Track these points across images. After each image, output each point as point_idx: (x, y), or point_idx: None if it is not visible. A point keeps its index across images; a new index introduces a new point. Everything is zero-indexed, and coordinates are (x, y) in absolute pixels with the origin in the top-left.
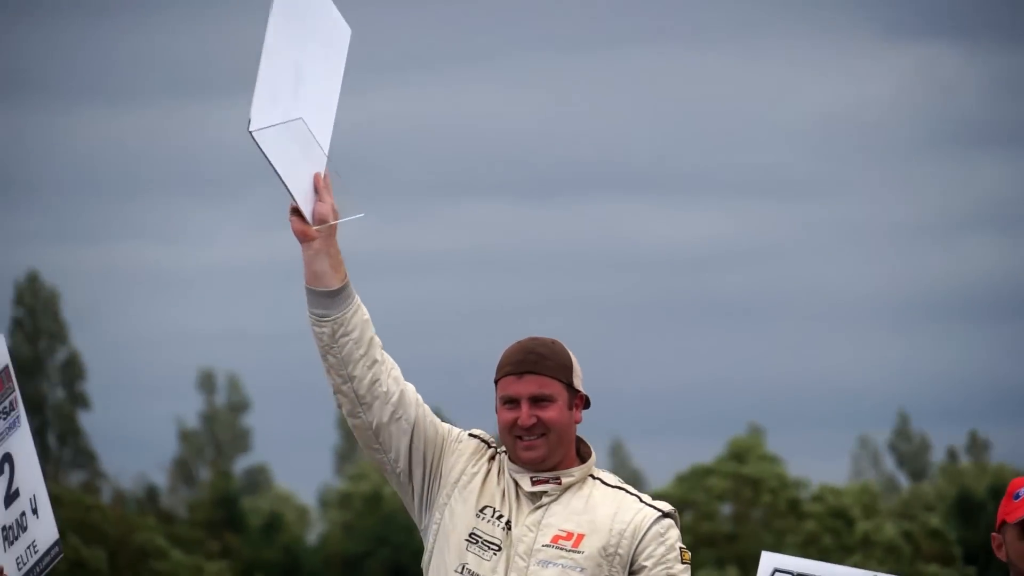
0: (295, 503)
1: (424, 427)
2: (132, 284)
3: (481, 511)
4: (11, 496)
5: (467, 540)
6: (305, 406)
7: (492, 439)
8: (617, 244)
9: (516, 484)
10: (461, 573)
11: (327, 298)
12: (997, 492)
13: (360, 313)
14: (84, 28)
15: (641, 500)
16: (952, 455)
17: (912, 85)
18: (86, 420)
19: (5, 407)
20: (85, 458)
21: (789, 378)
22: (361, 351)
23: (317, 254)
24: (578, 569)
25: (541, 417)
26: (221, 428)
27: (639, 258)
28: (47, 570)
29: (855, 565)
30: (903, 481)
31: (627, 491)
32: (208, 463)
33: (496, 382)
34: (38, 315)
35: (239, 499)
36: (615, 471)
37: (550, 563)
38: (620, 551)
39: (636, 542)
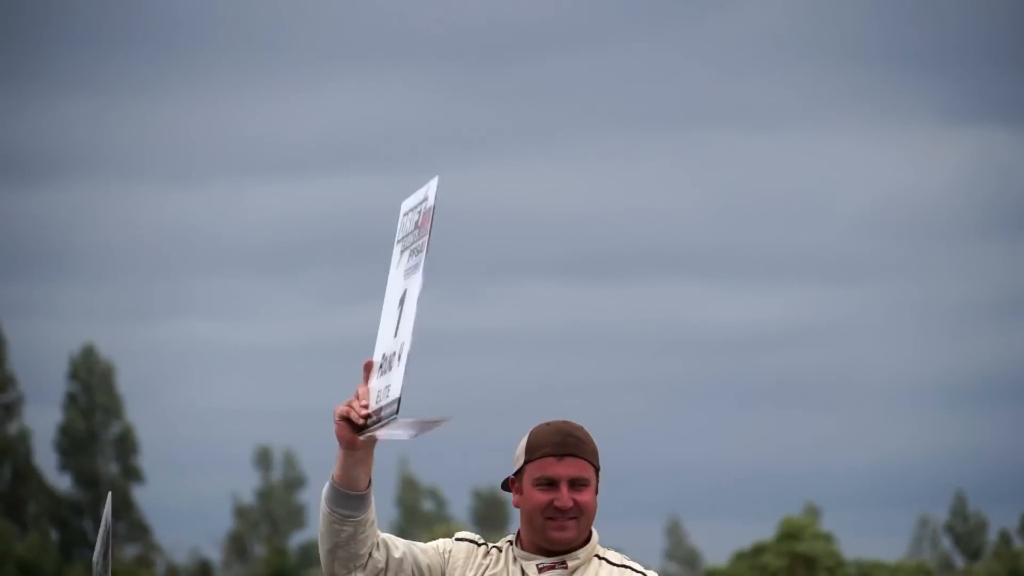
0: None
1: (418, 563)
2: (188, 359)
3: None
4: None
5: None
6: None
7: (478, 537)
8: (676, 325)
9: (522, 572)
10: None
11: (356, 500)
12: None
13: (374, 508)
14: (142, 104)
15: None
16: (1005, 537)
17: (970, 168)
18: (140, 494)
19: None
20: (139, 531)
21: (846, 459)
22: (372, 542)
23: (358, 462)
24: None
25: (578, 500)
26: (276, 504)
27: (697, 339)
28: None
29: None
30: (959, 562)
31: (633, 569)
32: (263, 539)
33: (527, 463)
34: (93, 389)
35: (296, 574)
36: (672, 549)
37: None
38: None
39: None
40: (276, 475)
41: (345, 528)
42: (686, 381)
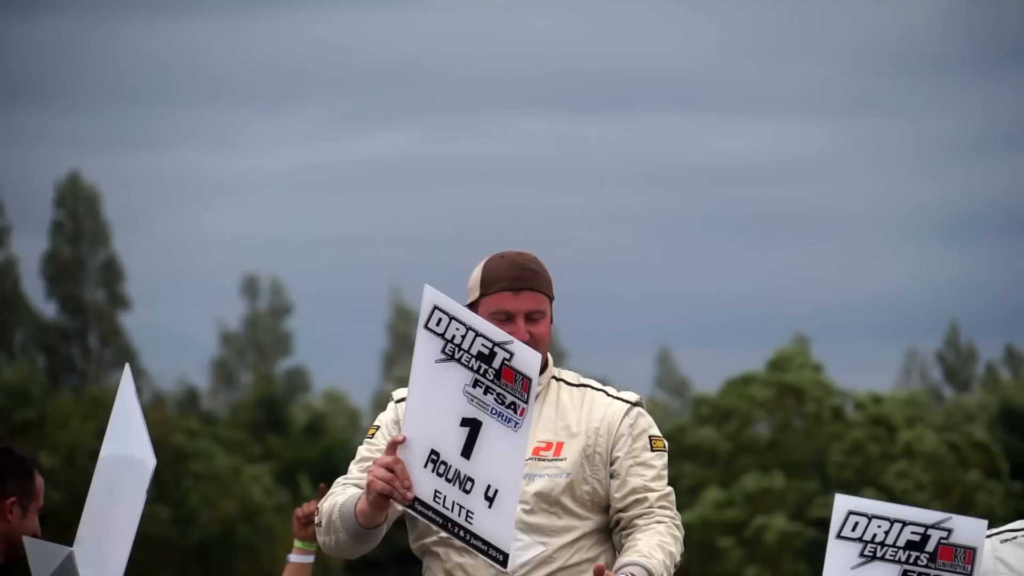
0: (345, 405)
1: None
2: (176, 188)
3: None
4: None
5: None
6: (350, 311)
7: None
8: (669, 157)
9: None
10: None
11: (374, 532)
12: None
13: None
14: None
15: (608, 394)
16: (991, 369)
17: (960, 1)
18: (126, 321)
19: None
20: (125, 357)
21: (837, 291)
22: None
23: (383, 511)
24: (564, 475)
25: (533, 333)
26: (263, 332)
27: (690, 171)
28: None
29: (899, 473)
30: (948, 393)
31: (592, 387)
32: (249, 366)
33: (482, 296)
34: (79, 217)
35: (283, 401)
36: (662, 378)
37: (536, 476)
38: (599, 449)
39: (611, 438)
40: (263, 303)
41: (359, 550)
42: (678, 213)
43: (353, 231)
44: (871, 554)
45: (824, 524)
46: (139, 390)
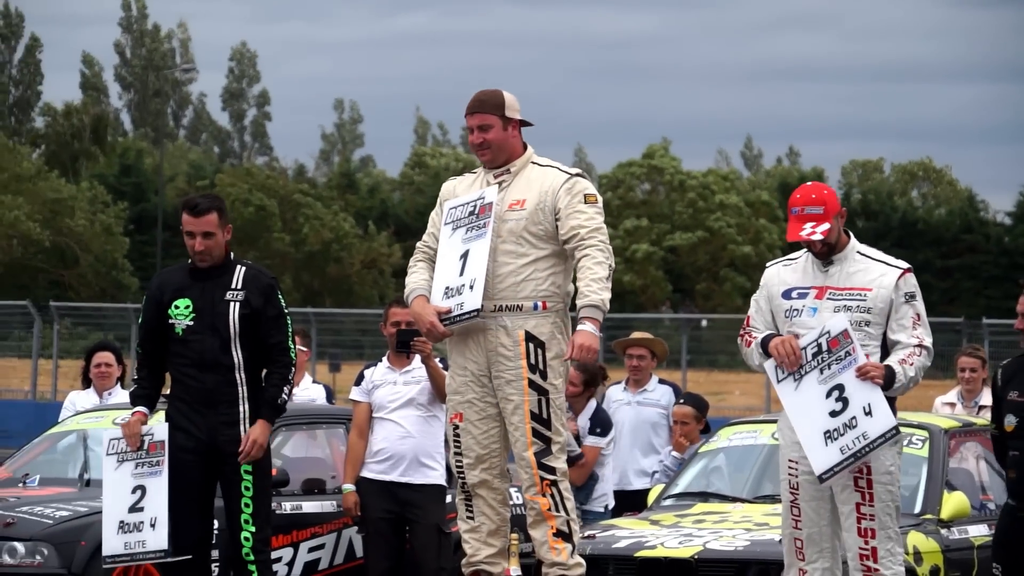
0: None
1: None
2: None
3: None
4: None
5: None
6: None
7: (454, 176)
8: None
9: (487, 182)
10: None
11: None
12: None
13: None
14: None
15: (560, 169)
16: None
17: None
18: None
19: (153, 462)
20: (267, 150)
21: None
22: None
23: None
24: (525, 220)
25: (485, 138)
26: (346, 132)
27: None
28: (148, 560)
29: (716, 218)
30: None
31: (555, 167)
32: (338, 152)
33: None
34: None
35: (355, 174)
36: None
37: (510, 219)
38: (546, 204)
39: (555, 195)
40: (346, 115)
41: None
42: None
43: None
44: (799, 377)
45: (672, 248)
46: (275, 168)
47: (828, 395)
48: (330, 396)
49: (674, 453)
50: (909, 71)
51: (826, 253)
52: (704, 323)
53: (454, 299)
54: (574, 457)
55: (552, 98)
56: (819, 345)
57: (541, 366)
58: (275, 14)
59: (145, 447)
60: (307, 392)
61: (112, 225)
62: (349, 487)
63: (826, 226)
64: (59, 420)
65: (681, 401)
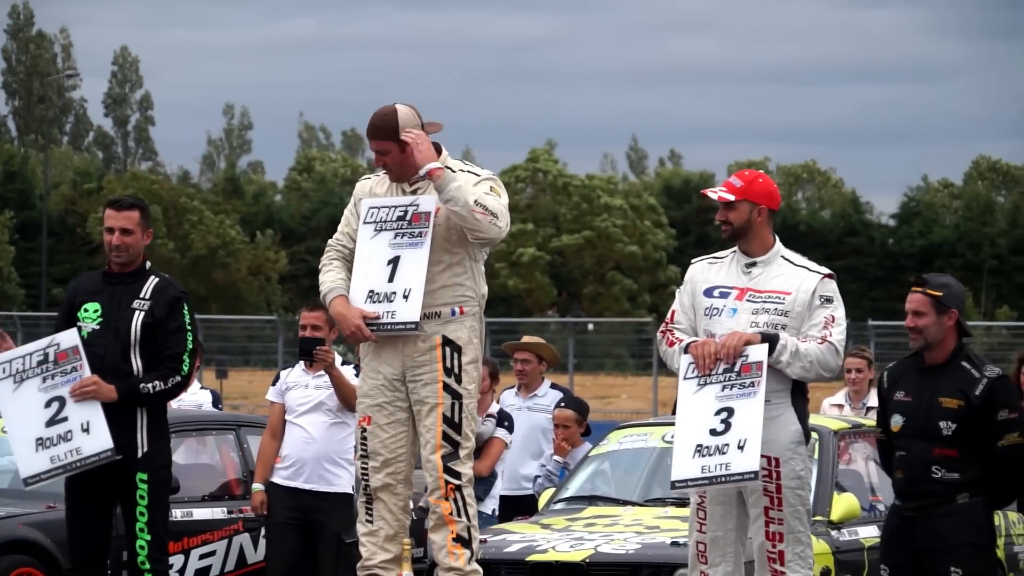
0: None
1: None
2: None
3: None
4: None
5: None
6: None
7: (369, 175)
8: None
9: (403, 191)
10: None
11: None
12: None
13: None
14: None
15: (471, 172)
16: (662, 161)
17: None
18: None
19: (67, 370)
20: (151, 155)
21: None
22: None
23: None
24: (441, 226)
25: (385, 161)
26: (235, 138)
27: None
28: (92, 465)
29: (602, 219)
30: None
31: (465, 170)
32: (223, 157)
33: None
34: None
35: (240, 179)
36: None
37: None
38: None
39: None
40: (235, 121)
41: None
42: None
43: None
44: (703, 383)
45: (559, 251)
46: (160, 174)
47: (717, 413)
48: (217, 401)
49: (556, 457)
50: (795, 73)
51: (730, 236)
52: (590, 327)
53: (382, 305)
54: (486, 440)
55: (439, 102)
56: (733, 363)
57: (457, 370)
58: (157, 20)
59: (52, 359)
60: (194, 397)
61: (1, 237)
62: (258, 486)
63: (731, 197)
64: None
65: (562, 404)
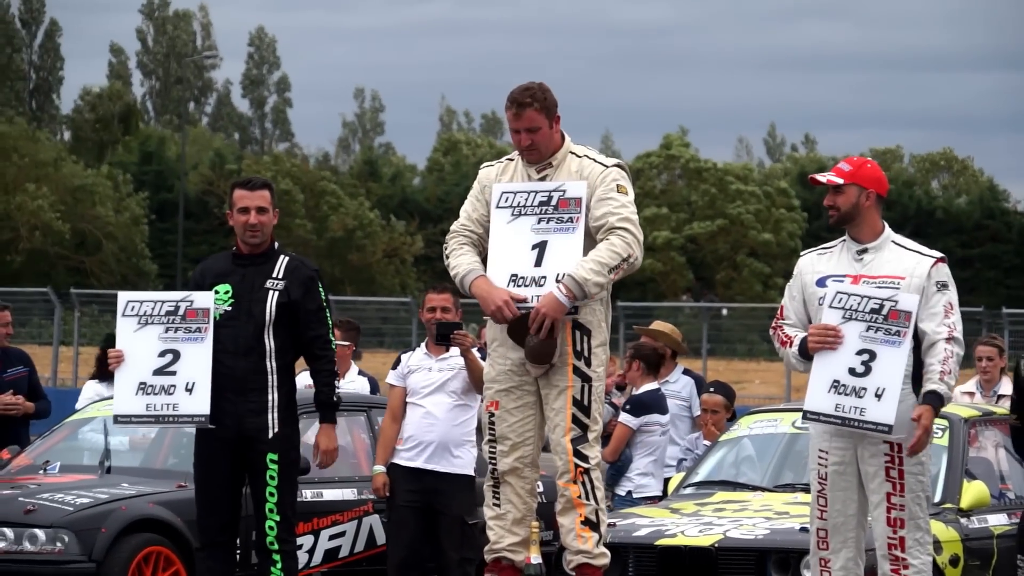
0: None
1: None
2: None
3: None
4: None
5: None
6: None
7: (503, 159)
8: None
9: (527, 176)
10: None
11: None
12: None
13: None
14: None
15: (596, 161)
16: (794, 146)
17: None
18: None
19: (191, 328)
20: (288, 136)
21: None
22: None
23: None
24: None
25: (533, 140)
26: (367, 120)
27: None
28: (182, 424)
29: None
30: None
31: (590, 157)
32: (357, 140)
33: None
34: None
35: (378, 161)
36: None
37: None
38: (588, 192)
39: (594, 187)
40: (367, 104)
41: None
42: None
43: None
44: (848, 317)
45: (692, 237)
46: (296, 155)
47: (859, 353)
48: (375, 388)
49: (705, 441)
50: (928, 60)
51: (837, 221)
52: (724, 312)
53: (529, 289)
54: (606, 422)
55: (575, 86)
56: (882, 305)
57: (586, 353)
58: (293, 1)
59: (181, 313)
60: (353, 385)
61: (140, 216)
62: (379, 468)
63: (840, 181)
64: (77, 408)
65: (711, 390)
